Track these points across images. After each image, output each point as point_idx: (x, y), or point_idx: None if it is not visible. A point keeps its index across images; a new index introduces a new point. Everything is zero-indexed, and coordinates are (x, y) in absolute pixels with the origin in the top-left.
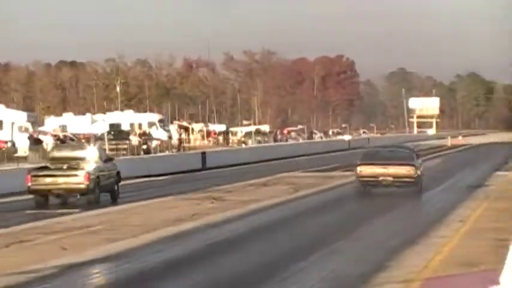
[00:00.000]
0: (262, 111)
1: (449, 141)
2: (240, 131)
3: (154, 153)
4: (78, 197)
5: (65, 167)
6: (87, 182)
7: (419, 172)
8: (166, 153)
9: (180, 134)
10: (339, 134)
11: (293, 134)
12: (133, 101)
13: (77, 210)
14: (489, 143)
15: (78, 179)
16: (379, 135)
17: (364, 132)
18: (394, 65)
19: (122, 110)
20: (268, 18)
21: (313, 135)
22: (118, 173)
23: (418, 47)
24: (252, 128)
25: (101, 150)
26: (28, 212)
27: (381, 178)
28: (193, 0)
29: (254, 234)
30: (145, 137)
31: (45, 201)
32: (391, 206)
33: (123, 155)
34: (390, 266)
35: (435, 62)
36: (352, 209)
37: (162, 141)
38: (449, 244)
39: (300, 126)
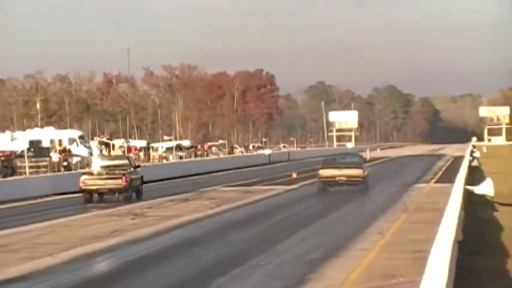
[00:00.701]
0: (183, 126)
1: (367, 154)
2: (161, 146)
3: (75, 169)
4: (116, 194)
5: (107, 172)
6: (124, 183)
7: (366, 173)
8: (87, 169)
9: (101, 150)
10: (259, 148)
11: (214, 148)
12: (54, 118)
13: (121, 203)
14: (407, 155)
15: (118, 181)
16: (299, 149)
17: (284, 147)
18: (314, 78)
19: (42, 126)
20: (188, 33)
21: (234, 150)
22: (142, 177)
23: (337, 61)
24: (173, 143)
25: (131, 159)
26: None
27: (337, 178)
28: (112, 16)
29: (175, 250)
30: (66, 153)
31: (91, 198)
32: (312, 219)
33: (44, 172)
34: (311, 279)
35: (354, 75)
36: (273, 223)
37: (83, 157)
38: (369, 256)
39: (220, 141)
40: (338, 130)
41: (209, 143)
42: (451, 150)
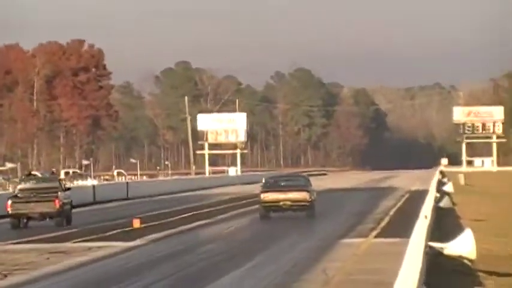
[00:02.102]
0: None
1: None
2: None
3: None
4: (47, 219)
5: (38, 195)
6: (58, 207)
7: (313, 197)
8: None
9: None
10: (78, 176)
11: None
12: None
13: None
14: (331, 189)
15: (51, 204)
16: (145, 178)
17: (120, 174)
18: (171, 57)
19: None
20: None
21: None
22: (71, 201)
23: (212, 28)
24: None
25: (62, 182)
26: None
27: (281, 203)
28: None
29: None
30: None
31: (19, 224)
32: None
33: None
34: None
35: (240, 51)
36: None
37: None
38: None
39: (9, 165)
40: (213, 146)
41: None
42: (405, 180)
